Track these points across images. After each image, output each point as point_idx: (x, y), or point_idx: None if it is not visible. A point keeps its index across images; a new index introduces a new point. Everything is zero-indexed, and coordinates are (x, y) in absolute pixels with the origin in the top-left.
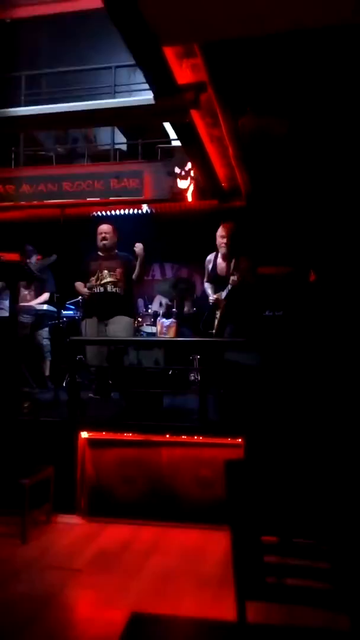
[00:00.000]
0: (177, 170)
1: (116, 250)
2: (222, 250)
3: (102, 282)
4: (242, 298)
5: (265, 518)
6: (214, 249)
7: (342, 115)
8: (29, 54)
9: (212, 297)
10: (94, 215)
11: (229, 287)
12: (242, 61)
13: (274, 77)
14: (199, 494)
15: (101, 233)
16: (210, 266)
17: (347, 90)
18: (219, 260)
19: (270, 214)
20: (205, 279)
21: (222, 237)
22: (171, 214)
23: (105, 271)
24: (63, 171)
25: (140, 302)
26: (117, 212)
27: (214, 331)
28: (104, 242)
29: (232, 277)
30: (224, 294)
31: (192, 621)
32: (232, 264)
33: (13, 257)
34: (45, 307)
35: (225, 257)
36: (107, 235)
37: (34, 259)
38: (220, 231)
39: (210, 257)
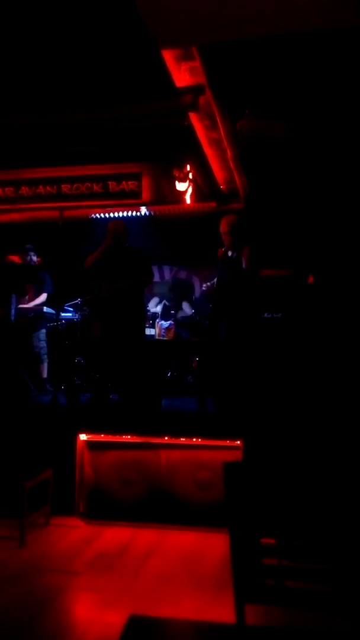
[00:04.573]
0: (175, 172)
1: (127, 245)
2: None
3: (115, 285)
4: (233, 283)
5: (264, 520)
6: (213, 251)
7: (341, 118)
8: None
9: (204, 285)
10: (92, 218)
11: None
12: (240, 64)
13: (273, 80)
14: (197, 496)
15: (111, 231)
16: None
17: (345, 93)
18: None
19: (268, 216)
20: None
21: (225, 232)
22: (170, 216)
23: (115, 270)
24: (62, 173)
25: None
26: (116, 214)
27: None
28: (115, 240)
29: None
30: (215, 280)
31: (191, 623)
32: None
33: (14, 259)
34: (44, 308)
35: (229, 249)
36: (118, 233)
37: (33, 258)
38: (222, 226)
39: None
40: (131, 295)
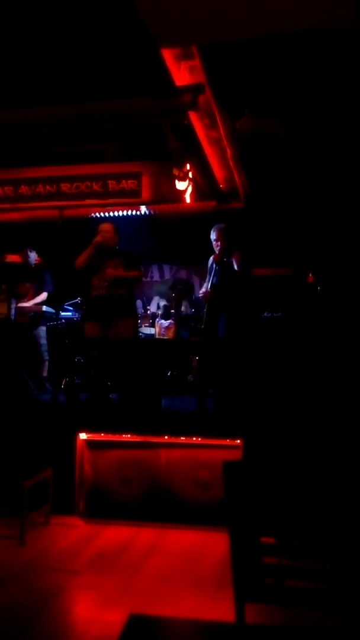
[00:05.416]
0: (175, 171)
1: (117, 247)
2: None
3: (105, 282)
4: (228, 284)
5: (263, 519)
6: (212, 250)
7: (341, 117)
8: None
9: (201, 291)
10: (92, 217)
11: (212, 273)
12: (240, 63)
13: (272, 79)
14: (197, 495)
15: (101, 231)
16: (209, 267)
17: (345, 92)
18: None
19: (268, 215)
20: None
21: (216, 240)
22: (169, 215)
23: (105, 269)
24: (61, 172)
25: (139, 303)
26: (116, 213)
27: (202, 326)
28: (105, 240)
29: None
30: (208, 284)
31: (190, 622)
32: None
33: (14, 258)
34: (43, 307)
35: (221, 256)
36: (107, 234)
37: (33, 257)
38: (213, 235)
39: (211, 259)
40: (121, 292)
